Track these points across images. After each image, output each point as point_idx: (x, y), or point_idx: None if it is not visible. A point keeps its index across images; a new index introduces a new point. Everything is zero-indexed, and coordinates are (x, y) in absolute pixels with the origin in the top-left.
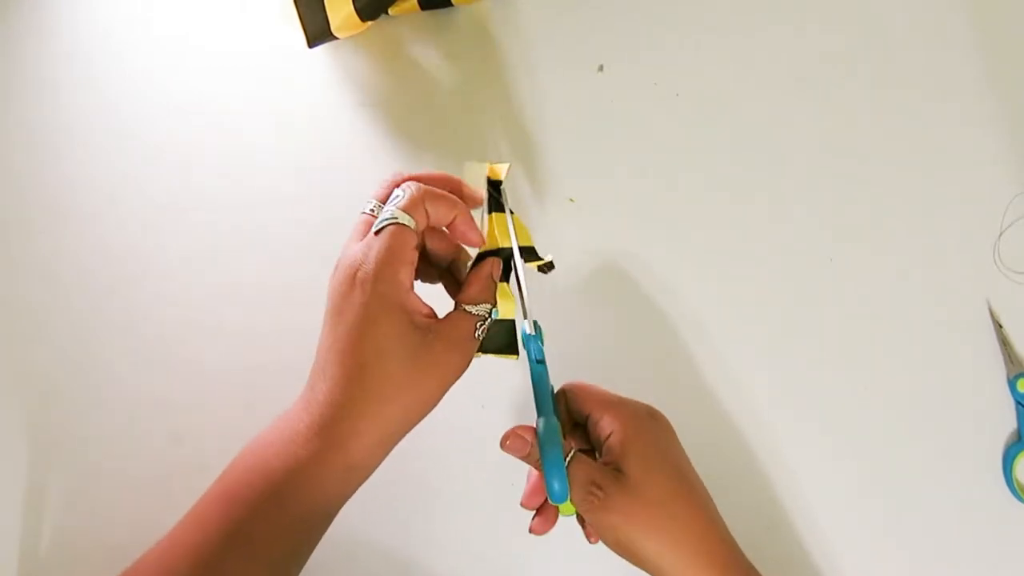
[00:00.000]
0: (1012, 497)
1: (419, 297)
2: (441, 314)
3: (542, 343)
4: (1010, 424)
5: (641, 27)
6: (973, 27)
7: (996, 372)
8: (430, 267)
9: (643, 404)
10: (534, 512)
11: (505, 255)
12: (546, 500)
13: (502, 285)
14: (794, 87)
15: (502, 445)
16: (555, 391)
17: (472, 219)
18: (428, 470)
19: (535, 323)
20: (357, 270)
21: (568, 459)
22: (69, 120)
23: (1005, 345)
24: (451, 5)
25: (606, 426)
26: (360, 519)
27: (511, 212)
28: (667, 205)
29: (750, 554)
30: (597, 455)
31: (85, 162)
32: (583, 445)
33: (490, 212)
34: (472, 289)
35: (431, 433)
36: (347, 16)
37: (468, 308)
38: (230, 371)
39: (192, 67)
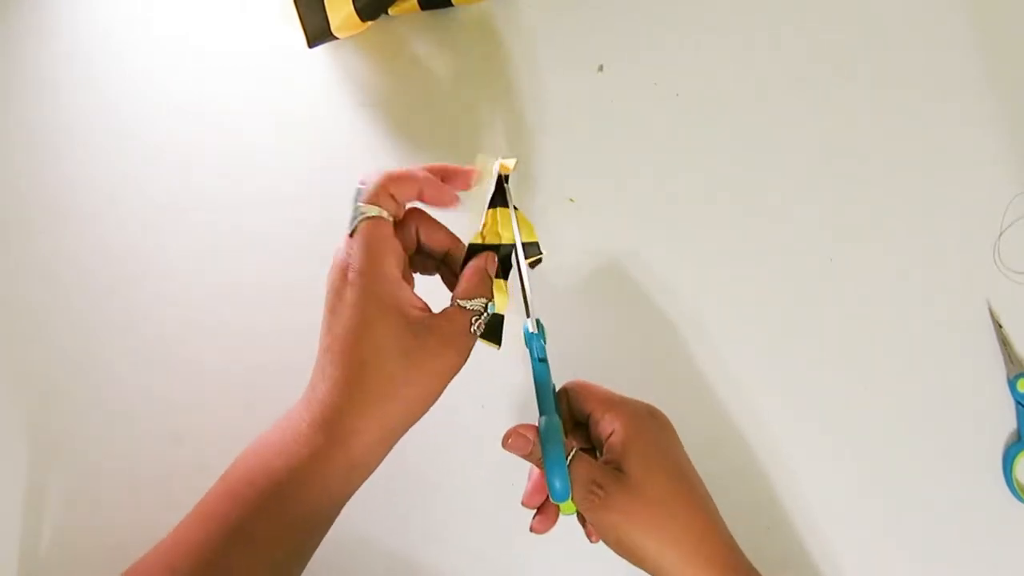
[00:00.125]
0: (1012, 497)
1: (411, 288)
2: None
3: (544, 342)
4: (1010, 424)
5: (641, 27)
6: (973, 27)
7: (996, 372)
8: (427, 259)
9: (644, 403)
10: (535, 511)
11: (505, 252)
12: (547, 499)
13: (499, 281)
14: (794, 87)
15: (504, 443)
16: (556, 390)
17: (437, 182)
18: (428, 469)
19: (538, 321)
20: (346, 269)
21: (569, 458)
22: (69, 120)
23: (1005, 345)
24: (451, 5)
25: (607, 425)
26: (361, 518)
27: (515, 208)
28: (667, 205)
29: (750, 554)
30: (598, 454)
31: (85, 162)
32: (584, 444)
33: (494, 207)
34: (467, 284)
35: (431, 432)
36: (347, 16)
37: (463, 303)
38: (230, 371)
39: (192, 67)
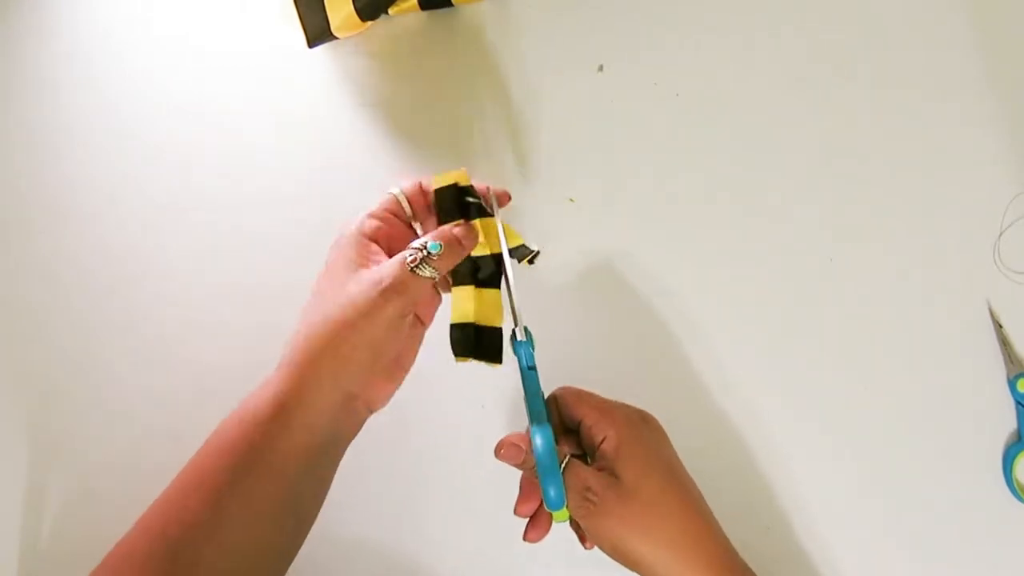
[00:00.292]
0: (1012, 497)
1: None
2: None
3: (533, 349)
4: (1010, 424)
5: (641, 27)
6: (973, 27)
7: (996, 372)
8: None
9: (635, 408)
10: (527, 519)
11: (494, 262)
12: (539, 507)
13: (492, 292)
14: (794, 87)
15: (496, 454)
16: (546, 397)
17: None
18: (428, 469)
19: (526, 329)
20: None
21: (563, 465)
22: (69, 120)
23: (1005, 345)
24: (451, 5)
25: (599, 431)
26: (360, 518)
27: (494, 217)
28: (667, 205)
29: (749, 554)
30: (590, 460)
31: (85, 162)
32: (575, 450)
33: (474, 218)
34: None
35: (432, 432)
36: (347, 16)
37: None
38: (230, 371)
39: (192, 67)
